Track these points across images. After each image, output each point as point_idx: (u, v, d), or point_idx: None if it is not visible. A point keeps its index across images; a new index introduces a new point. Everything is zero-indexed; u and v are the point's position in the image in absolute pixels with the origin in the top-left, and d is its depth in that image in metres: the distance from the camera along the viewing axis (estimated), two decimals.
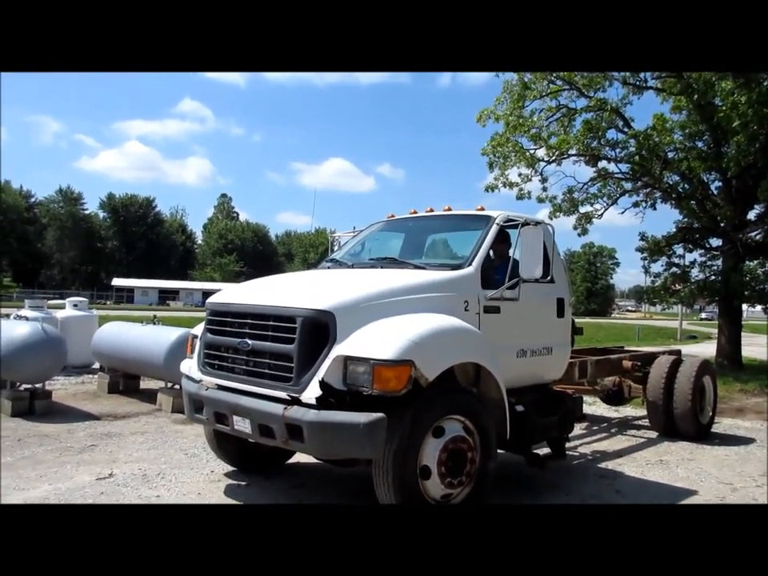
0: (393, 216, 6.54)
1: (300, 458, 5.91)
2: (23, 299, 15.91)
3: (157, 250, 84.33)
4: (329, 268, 5.85)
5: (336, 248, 6.85)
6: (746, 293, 14.26)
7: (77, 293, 51.80)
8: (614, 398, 8.56)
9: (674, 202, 15.30)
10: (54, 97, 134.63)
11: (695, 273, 16.01)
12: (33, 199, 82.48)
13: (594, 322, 44.63)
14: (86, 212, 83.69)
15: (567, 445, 5.96)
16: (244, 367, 4.50)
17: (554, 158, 15.41)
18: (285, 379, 4.15)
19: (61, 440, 6.70)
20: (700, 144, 15.17)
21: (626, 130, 14.89)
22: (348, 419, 3.87)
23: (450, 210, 5.97)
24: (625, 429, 8.65)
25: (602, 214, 16.26)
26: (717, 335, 16.47)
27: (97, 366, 10.81)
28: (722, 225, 14.70)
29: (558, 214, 16.08)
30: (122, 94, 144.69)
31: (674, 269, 16.11)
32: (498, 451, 4.72)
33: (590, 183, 16.05)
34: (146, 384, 10.06)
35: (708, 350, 17.77)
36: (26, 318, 9.40)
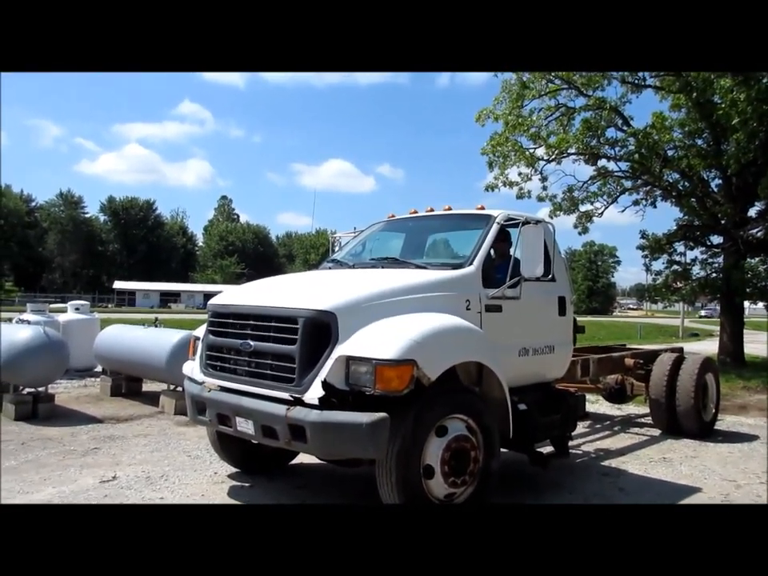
0: (393, 216, 6.54)
1: (303, 458, 5.91)
2: (25, 303, 15.92)
3: (158, 253, 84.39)
4: (330, 268, 5.85)
5: (337, 248, 6.86)
6: (747, 290, 14.27)
7: (78, 296, 51.92)
8: (617, 396, 8.56)
9: (674, 200, 15.32)
10: (53, 100, 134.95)
11: (696, 270, 16.06)
12: (33, 203, 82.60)
13: (595, 320, 44.57)
14: (87, 215, 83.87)
15: (570, 443, 5.96)
16: (246, 368, 4.50)
17: (553, 156, 15.42)
18: (287, 380, 4.15)
19: (64, 443, 6.70)
20: (700, 142, 15.19)
21: (625, 128, 14.89)
22: (351, 419, 3.87)
23: (450, 209, 5.97)
24: (628, 427, 8.64)
25: (602, 213, 16.29)
26: (719, 332, 16.47)
27: (99, 369, 10.83)
28: (723, 222, 14.70)
29: (558, 212, 16.11)
30: (121, 97, 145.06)
31: (675, 266, 16.13)
32: (501, 450, 4.72)
33: (589, 182, 16.07)
34: (148, 387, 10.07)
35: (710, 347, 17.76)
36: (28, 322, 9.43)
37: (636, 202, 16.41)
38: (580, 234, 16.63)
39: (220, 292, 5.55)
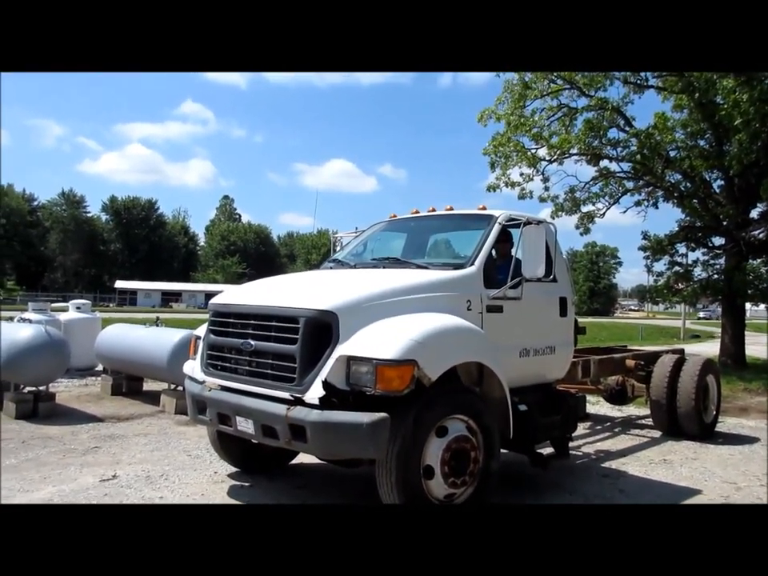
0: (395, 216, 6.54)
1: (303, 458, 5.91)
2: (26, 302, 15.93)
3: (159, 252, 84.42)
4: (331, 268, 5.85)
5: (338, 248, 6.86)
6: (749, 291, 14.24)
7: (80, 295, 52.00)
8: (618, 397, 8.54)
9: (676, 201, 15.28)
10: (55, 100, 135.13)
11: (698, 272, 16.03)
12: (36, 202, 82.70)
13: (596, 321, 44.51)
14: (89, 215, 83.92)
15: (570, 444, 5.95)
16: (247, 368, 4.50)
17: (555, 157, 15.40)
18: (288, 379, 4.15)
19: (64, 442, 6.71)
20: (702, 142, 15.16)
21: (627, 128, 14.88)
22: (351, 419, 3.87)
23: (451, 209, 5.97)
24: (628, 428, 8.64)
25: (604, 214, 16.27)
26: (720, 334, 16.44)
27: (100, 368, 10.84)
28: (725, 223, 14.68)
29: (560, 213, 16.09)
30: (123, 97, 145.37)
31: (677, 268, 16.10)
32: (502, 451, 4.72)
33: (591, 182, 16.06)
34: (149, 386, 10.08)
35: (711, 349, 17.73)
36: (30, 321, 9.43)
37: (638, 203, 16.40)
38: (582, 234, 16.64)
39: (221, 292, 5.55)
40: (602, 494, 5.48)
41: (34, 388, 8.11)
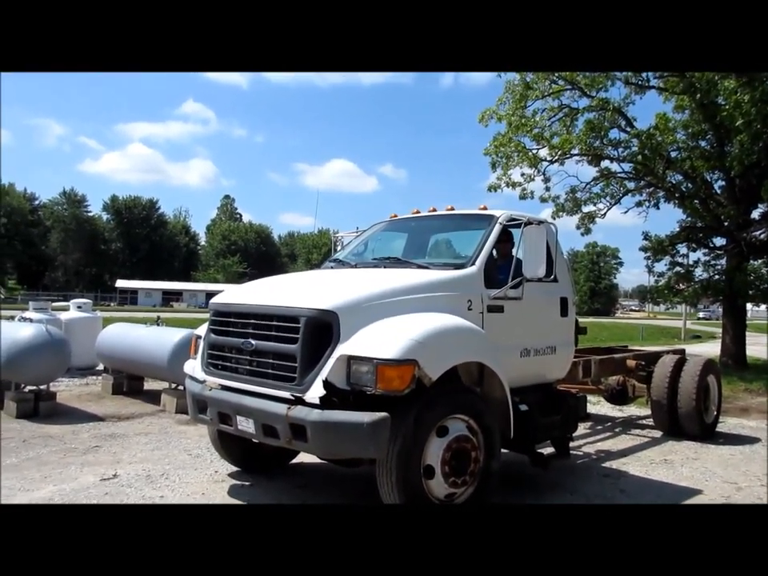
0: (396, 216, 6.54)
1: (304, 458, 5.91)
2: (27, 301, 15.94)
3: (160, 252, 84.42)
4: (332, 268, 5.85)
5: (339, 248, 6.86)
6: (750, 292, 14.23)
7: (81, 295, 52.07)
8: (618, 397, 8.54)
9: (677, 202, 15.27)
10: (56, 100, 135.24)
11: (699, 272, 16.01)
12: (37, 202, 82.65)
13: (597, 321, 44.48)
14: (90, 214, 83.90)
15: (571, 444, 5.95)
16: (247, 367, 4.50)
17: (556, 157, 15.39)
18: (288, 379, 4.15)
19: (65, 441, 6.71)
20: (703, 143, 15.14)
21: (628, 129, 14.87)
22: (352, 419, 3.87)
23: (452, 209, 5.97)
24: (629, 428, 8.63)
25: (605, 214, 16.25)
26: (721, 334, 16.43)
27: (101, 367, 10.85)
28: (726, 224, 14.66)
29: (560, 213, 16.09)
30: (124, 97, 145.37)
31: (678, 268, 16.08)
32: (502, 450, 4.71)
33: (592, 183, 16.05)
34: (149, 385, 10.09)
35: (712, 349, 17.73)
36: (31, 320, 9.43)
37: (639, 204, 16.38)
38: (583, 234, 16.64)
39: (222, 291, 5.56)
40: (603, 494, 5.48)
41: (34, 387, 8.12)
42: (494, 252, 5.29)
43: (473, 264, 4.94)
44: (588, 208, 16.18)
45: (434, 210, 6.13)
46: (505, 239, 5.39)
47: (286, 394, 4.15)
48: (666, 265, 16.38)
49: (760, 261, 15.10)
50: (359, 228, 6.88)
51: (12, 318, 10.69)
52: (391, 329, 4.11)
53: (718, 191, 15.47)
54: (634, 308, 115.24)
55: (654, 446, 7.49)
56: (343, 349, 4.03)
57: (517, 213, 5.48)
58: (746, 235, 14.15)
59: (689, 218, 15.70)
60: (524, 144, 15.40)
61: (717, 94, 12.52)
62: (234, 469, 5.74)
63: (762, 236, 14.66)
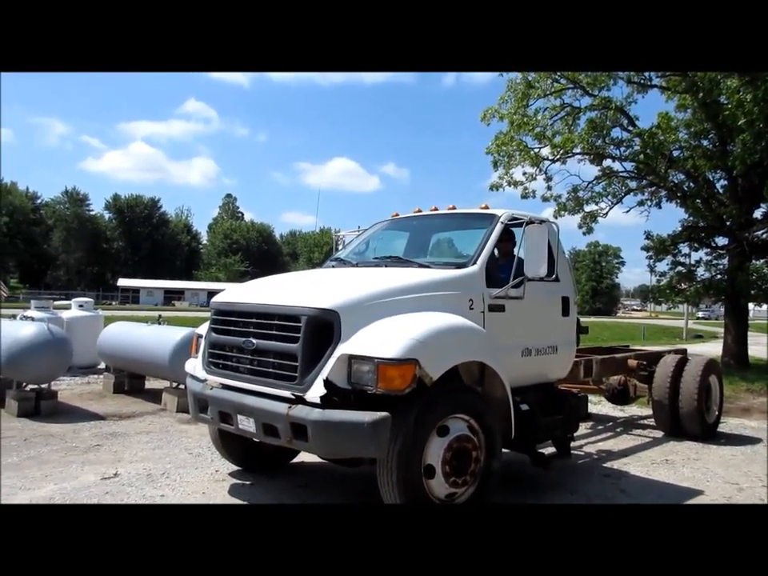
0: (397, 215, 6.54)
1: (304, 457, 5.91)
2: (29, 300, 15.96)
3: (162, 251, 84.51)
4: (333, 267, 5.85)
5: (340, 247, 6.85)
6: (752, 292, 14.20)
7: (83, 293, 52.10)
8: (620, 397, 8.53)
9: (679, 201, 15.25)
10: (59, 98, 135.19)
11: (701, 272, 15.98)
12: (39, 200, 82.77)
13: (599, 321, 44.50)
14: (92, 213, 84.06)
15: (572, 444, 5.95)
16: (248, 366, 4.50)
17: (558, 156, 15.38)
18: (289, 378, 4.15)
19: (66, 440, 6.72)
20: (705, 142, 15.13)
21: (630, 128, 14.84)
22: (352, 418, 3.87)
23: (454, 208, 5.96)
24: (630, 428, 8.62)
25: (606, 213, 16.21)
26: (723, 334, 16.40)
27: (102, 366, 10.86)
28: (728, 223, 14.64)
29: (562, 212, 16.06)
30: (126, 96, 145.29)
31: (680, 268, 16.06)
32: (503, 450, 4.71)
33: (594, 182, 16.02)
34: (151, 384, 10.09)
35: (714, 349, 17.70)
36: (32, 319, 9.44)
37: (641, 203, 16.36)
38: (584, 234, 16.60)
39: (223, 290, 5.56)
40: (604, 494, 5.48)
41: (36, 386, 8.13)
42: (496, 251, 5.28)
43: (474, 263, 4.93)
44: (590, 207, 16.18)
45: (436, 209, 6.12)
46: (506, 238, 5.38)
47: (287, 393, 4.15)
48: (667, 264, 16.37)
49: (762, 260, 15.07)
50: (361, 227, 6.88)
51: (14, 316, 10.71)
52: (392, 328, 4.10)
53: (720, 191, 15.45)
54: (635, 307, 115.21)
55: (655, 446, 7.47)
56: (344, 348, 4.02)
57: (518, 212, 5.47)
58: (748, 235, 14.13)
59: (691, 218, 15.67)
60: (526, 143, 15.38)
61: (719, 93, 12.50)
62: (235, 468, 5.74)
63: (764, 235, 14.64)
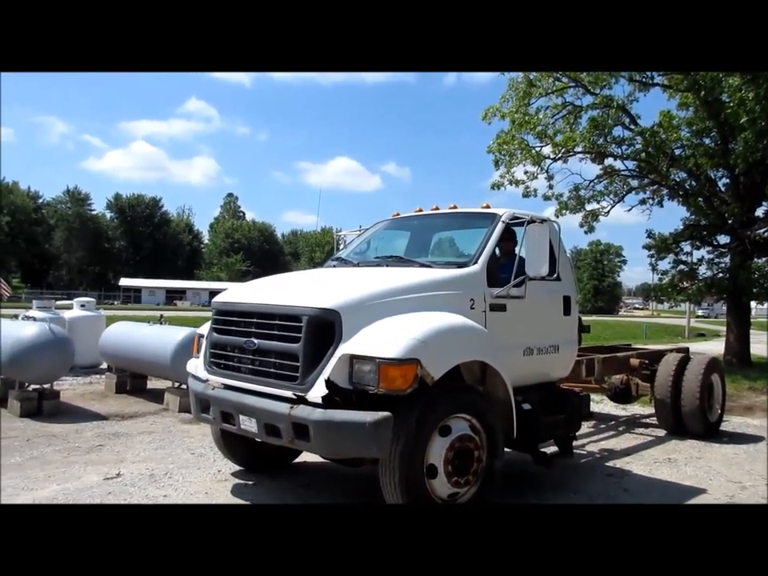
0: (398, 214, 6.53)
1: (307, 457, 5.91)
2: (31, 300, 15.98)
3: (163, 250, 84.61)
4: (334, 267, 5.85)
5: (341, 247, 6.85)
6: (754, 290, 14.18)
7: (84, 293, 52.10)
8: (622, 396, 8.51)
9: (681, 199, 15.23)
10: (60, 98, 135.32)
11: (703, 270, 15.95)
12: (41, 200, 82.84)
13: (601, 319, 44.48)
14: (93, 212, 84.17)
15: (574, 443, 5.95)
16: (250, 366, 4.50)
17: (560, 155, 15.36)
18: (291, 378, 4.15)
19: (69, 440, 6.73)
20: (707, 141, 15.09)
21: (632, 127, 14.82)
22: (354, 418, 3.87)
23: (455, 208, 5.95)
24: (632, 427, 8.61)
25: (608, 212, 16.20)
26: (725, 333, 16.38)
27: (104, 366, 10.86)
28: (730, 222, 14.61)
29: (564, 211, 16.06)
30: (127, 95, 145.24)
31: (682, 266, 16.03)
32: (505, 450, 4.71)
33: (596, 180, 16.01)
34: (153, 384, 10.09)
35: (716, 347, 17.67)
36: (34, 319, 9.45)
37: (642, 201, 16.35)
38: (586, 233, 16.58)
39: (225, 290, 5.56)
40: (606, 493, 5.47)
41: (38, 386, 8.14)
42: (497, 250, 5.28)
43: (475, 263, 4.92)
44: (591, 206, 16.16)
45: (437, 209, 6.12)
46: (507, 238, 5.37)
47: (289, 394, 4.15)
48: (669, 263, 16.35)
49: (764, 258, 15.04)
50: (362, 226, 6.88)
51: (15, 316, 10.72)
52: (393, 328, 4.10)
53: (722, 189, 15.42)
54: (637, 306, 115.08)
55: (657, 445, 7.47)
56: (345, 348, 4.02)
57: (519, 211, 5.46)
58: (750, 233, 14.09)
59: (693, 216, 15.65)
60: (527, 142, 15.37)
61: (721, 91, 12.47)
62: (237, 468, 5.74)
63: (766, 234, 14.61)
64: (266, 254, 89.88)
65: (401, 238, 6.31)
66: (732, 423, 8.87)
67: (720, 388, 8.18)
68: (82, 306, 12.27)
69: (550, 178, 15.93)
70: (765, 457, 6.99)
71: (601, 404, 9.84)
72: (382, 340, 3.98)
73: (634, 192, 16.22)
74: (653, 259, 16.39)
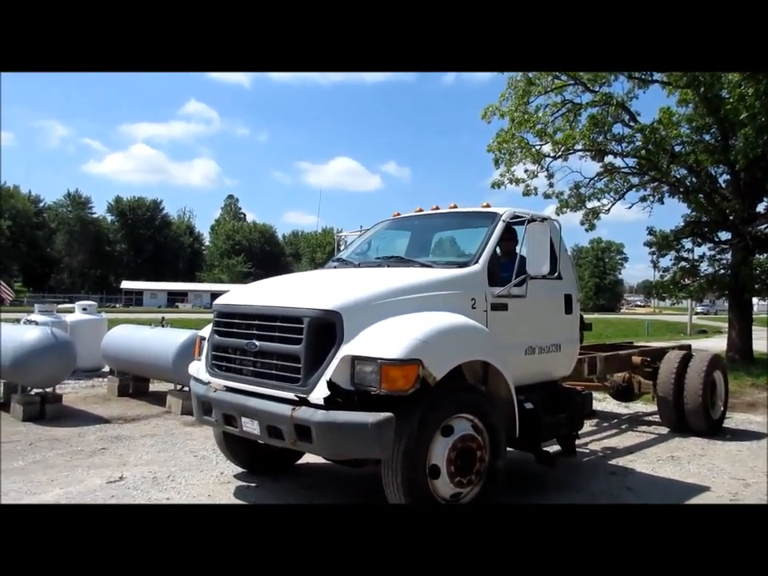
0: (399, 214, 6.53)
1: (309, 458, 5.90)
2: (33, 303, 16.00)
3: (164, 253, 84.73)
4: (335, 267, 5.85)
5: (342, 247, 6.84)
6: (755, 286, 14.17)
7: (86, 296, 52.25)
8: (624, 394, 8.52)
9: (681, 196, 15.21)
10: (60, 101, 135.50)
11: (704, 267, 15.92)
12: (42, 204, 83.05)
13: (602, 317, 44.44)
14: (94, 216, 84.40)
15: (577, 442, 5.93)
16: (252, 368, 4.50)
17: (560, 153, 15.35)
18: (292, 380, 4.14)
19: (71, 444, 6.73)
20: (707, 137, 15.06)
21: (632, 124, 14.80)
22: (356, 419, 3.86)
23: (455, 207, 5.95)
24: (635, 425, 8.60)
25: (609, 209, 16.20)
26: (727, 329, 16.36)
27: (106, 369, 10.87)
28: (731, 218, 14.60)
29: (564, 209, 16.05)
30: (127, 97, 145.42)
31: (683, 263, 16.01)
32: (508, 449, 4.70)
33: (596, 178, 16.00)
34: (155, 386, 10.10)
35: (718, 344, 17.65)
36: (36, 323, 9.46)
37: (643, 199, 16.32)
38: (587, 230, 16.57)
39: (227, 291, 5.56)
40: (609, 492, 5.46)
41: (40, 390, 8.14)
42: (498, 250, 5.27)
43: (476, 262, 4.92)
44: (592, 204, 16.15)
45: (437, 209, 6.11)
46: (508, 237, 5.37)
47: (291, 395, 4.15)
48: (671, 260, 16.32)
49: (765, 254, 15.01)
50: (363, 226, 6.88)
51: (17, 320, 10.73)
52: (395, 328, 4.10)
53: (723, 185, 15.39)
54: (639, 303, 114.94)
55: (660, 443, 7.46)
56: (347, 349, 4.02)
57: (520, 210, 5.45)
58: (751, 229, 14.07)
59: (693, 213, 15.63)
60: (527, 140, 15.36)
61: (721, 87, 12.45)
62: (240, 470, 5.74)
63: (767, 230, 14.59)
64: (267, 255, 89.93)
65: (401, 238, 6.31)
66: (735, 420, 8.85)
67: (723, 385, 8.16)
68: (84, 309, 12.29)
69: (550, 176, 15.93)
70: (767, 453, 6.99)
71: (603, 402, 9.83)
72: (383, 340, 3.98)
73: (634, 189, 16.22)
74: (654, 256, 16.39)
